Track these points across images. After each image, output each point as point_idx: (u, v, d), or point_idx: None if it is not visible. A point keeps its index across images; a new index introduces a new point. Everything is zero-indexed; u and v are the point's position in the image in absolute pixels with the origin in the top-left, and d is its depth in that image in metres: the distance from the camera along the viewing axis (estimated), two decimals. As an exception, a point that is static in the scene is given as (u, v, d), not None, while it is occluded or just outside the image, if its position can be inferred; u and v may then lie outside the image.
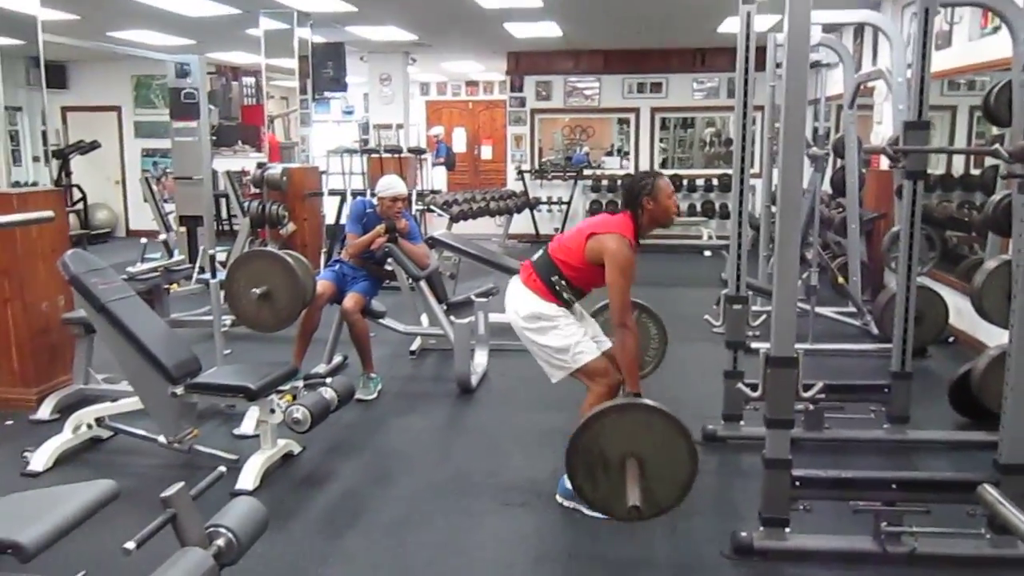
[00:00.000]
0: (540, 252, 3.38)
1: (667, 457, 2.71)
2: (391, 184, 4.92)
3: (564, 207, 11.69)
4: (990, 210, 3.76)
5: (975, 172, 6.16)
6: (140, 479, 3.56)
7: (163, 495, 2.00)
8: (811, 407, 3.70)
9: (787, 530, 2.83)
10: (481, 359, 5.19)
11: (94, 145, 8.66)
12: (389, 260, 4.95)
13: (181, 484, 2.06)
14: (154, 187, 7.70)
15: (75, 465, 3.74)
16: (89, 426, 3.90)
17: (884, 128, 6.98)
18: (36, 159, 8.22)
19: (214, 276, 4.31)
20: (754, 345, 4.27)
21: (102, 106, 12.32)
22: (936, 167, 6.52)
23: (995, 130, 5.32)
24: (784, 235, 2.57)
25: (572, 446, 2.73)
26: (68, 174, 9.73)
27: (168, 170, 8.95)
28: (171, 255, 6.34)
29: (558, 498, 3.34)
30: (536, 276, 3.30)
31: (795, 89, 2.52)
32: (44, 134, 5.11)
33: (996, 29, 5.23)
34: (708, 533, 3.11)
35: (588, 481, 2.74)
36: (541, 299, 3.25)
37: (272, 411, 3.58)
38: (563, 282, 3.24)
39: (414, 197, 8.75)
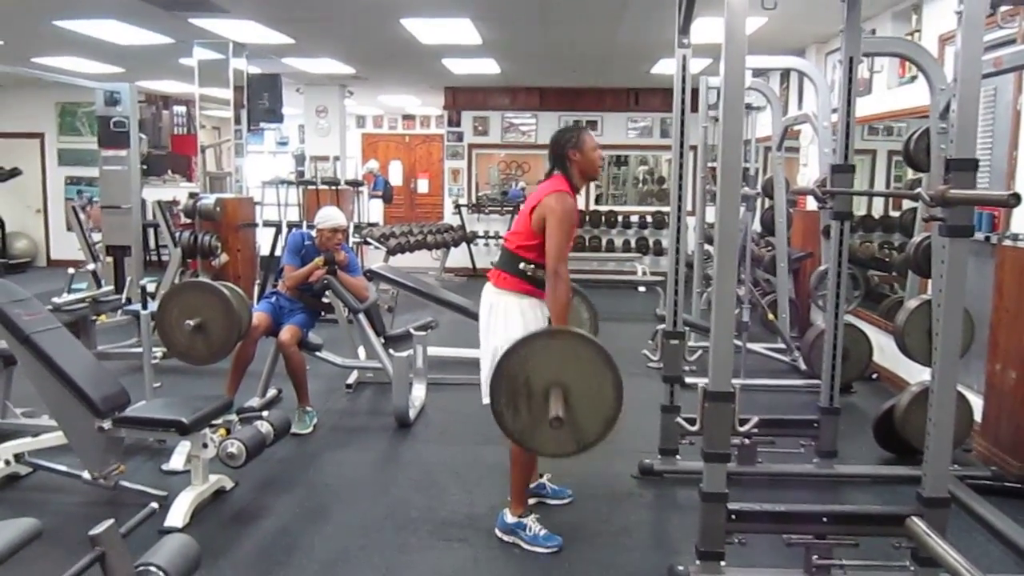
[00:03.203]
0: (500, 252, 3.39)
1: (593, 389, 2.69)
2: (330, 216, 4.90)
3: (501, 241, 11.74)
4: (911, 251, 3.93)
5: (894, 214, 6.42)
6: (63, 517, 3.41)
7: (91, 533, 1.94)
8: (746, 441, 3.78)
9: (723, 563, 2.85)
10: (419, 393, 5.16)
11: (14, 172, 8.38)
12: (327, 292, 4.91)
13: (111, 521, 1.99)
14: (80, 216, 7.48)
15: (-9, 504, 3.58)
16: (7, 462, 3.74)
17: (810, 170, 7.23)
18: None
19: (145, 307, 4.20)
20: (690, 380, 4.33)
21: (24, 133, 11.92)
22: (858, 209, 6.77)
23: (911, 173, 5.58)
24: (722, 273, 2.63)
25: (497, 370, 2.70)
26: (-15, 202, 9.42)
27: (95, 199, 8.70)
28: (99, 285, 6.15)
29: (497, 532, 3.33)
30: (505, 273, 3.30)
31: (731, 132, 2.60)
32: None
33: (913, 78, 5.50)
34: (645, 567, 3.14)
35: (510, 408, 2.71)
36: (514, 294, 3.24)
37: (205, 446, 3.48)
38: (531, 265, 3.24)
39: (351, 230, 8.70)
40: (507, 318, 3.23)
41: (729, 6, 2.48)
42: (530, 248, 3.24)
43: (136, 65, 9.18)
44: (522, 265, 3.24)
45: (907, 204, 5.84)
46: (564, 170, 3.30)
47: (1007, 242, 4.06)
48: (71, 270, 5.22)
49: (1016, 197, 2.16)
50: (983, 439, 4.18)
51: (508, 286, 3.28)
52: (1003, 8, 3.57)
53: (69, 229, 7.84)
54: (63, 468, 3.68)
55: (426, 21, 6.81)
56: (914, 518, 2.44)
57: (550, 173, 3.35)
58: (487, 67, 9.42)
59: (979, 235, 4.25)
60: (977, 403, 4.17)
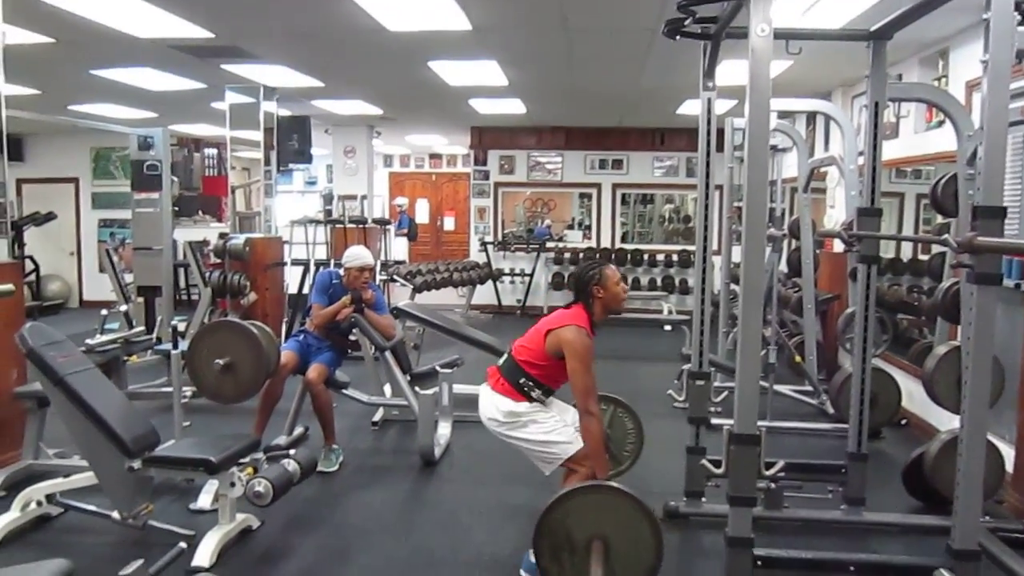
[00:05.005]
0: (504, 357, 3.47)
1: (632, 541, 2.72)
2: (358, 255, 4.97)
3: (527, 279, 11.80)
4: (939, 297, 3.90)
5: (923, 257, 6.36)
6: (92, 558, 3.44)
7: (121, 573, 1.96)
8: (772, 486, 3.74)
9: (750, 610, 2.82)
10: (444, 431, 5.16)
11: (50, 217, 8.59)
12: (354, 330, 4.96)
13: (140, 562, 2.02)
14: (114, 258, 7.62)
15: (22, 545, 3.61)
16: (39, 503, 3.79)
17: (837, 212, 7.22)
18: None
19: (176, 347, 4.26)
20: (715, 421, 4.31)
21: (59, 178, 12.16)
22: (886, 251, 6.72)
23: (940, 217, 5.53)
24: (747, 315, 2.63)
25: (539, 527, 2.73)
26: (21, 245, 9.59)
27: (127, 241, 8.88)
28: (131, 326, 6.24)
29: (522, 573, 3.31)
30: (504, 380, 3.37)
31: (756, 175, 2.61)
32: (3, 207, 4.98)
33: (940, 123, 5.49)
34: (672, 614, 3.10)
35: (554, 563, 2.74)
36: (512, 400, 3.32)
37: (232, 484, 3.51)
38: (531, 382, 3.32)
39: (378, 267, 8.78)
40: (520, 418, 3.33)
41: (753, 51, 2.51)
42: (536, 367, 3.32)
43: (169, 110, 9.41)
44: (522, 380, 3.33)
45: (936, 248, 5.78)
46: (587, 305, 3.38)
47: (1037, 288, 4.02)
48: (104, 311, 5.30)
49: (1043, 246, 2.15)
50: (1015, 491, 4.09)
51: (503, 391, 3.36)
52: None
53: (102, 271, 7.97)
54: (93, 508, 3.70)
55: (453, 64, 6.93)
56: (943, 571, 2.40)
57: (573, 301, 3.44)
58: (513, 107, 9.53)
59: (1009, 282, 4.21)
60: (1009, 453, 4.09)
